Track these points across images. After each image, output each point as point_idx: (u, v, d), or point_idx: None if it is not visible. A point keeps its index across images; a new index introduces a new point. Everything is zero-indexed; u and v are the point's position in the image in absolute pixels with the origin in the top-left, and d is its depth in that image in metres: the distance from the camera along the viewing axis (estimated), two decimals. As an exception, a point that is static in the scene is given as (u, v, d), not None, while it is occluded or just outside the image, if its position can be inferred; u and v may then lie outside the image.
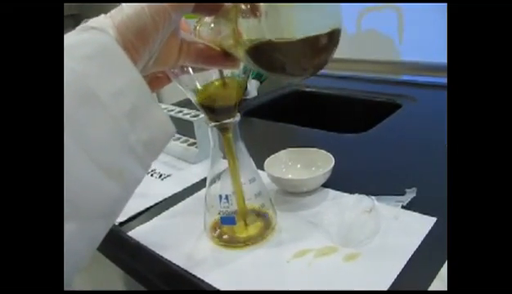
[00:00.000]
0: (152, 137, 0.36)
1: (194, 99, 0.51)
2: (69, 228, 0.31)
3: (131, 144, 0.34)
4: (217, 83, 0.50)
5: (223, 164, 0.55)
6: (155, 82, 0.54)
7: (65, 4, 2.59)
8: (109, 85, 0.33)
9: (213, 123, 0.52)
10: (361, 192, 0.59)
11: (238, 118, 0.52)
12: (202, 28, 0.45)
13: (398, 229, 0.54)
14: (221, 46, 0.43)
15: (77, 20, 2.78)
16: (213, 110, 0.51)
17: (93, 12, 0.38)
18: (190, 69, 0.48)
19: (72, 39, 0.34)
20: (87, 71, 0.32)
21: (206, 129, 0.80)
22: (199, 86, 0.50)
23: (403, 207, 0.57)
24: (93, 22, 0.36)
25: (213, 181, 0.56)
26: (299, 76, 0.38)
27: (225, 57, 0.43)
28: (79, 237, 0.33)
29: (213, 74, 0.49)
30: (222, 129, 0.52)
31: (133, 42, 0.36)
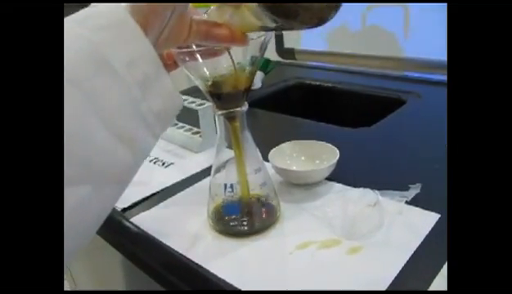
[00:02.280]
0: (162, 107, 0.37)
1: (202, 86, 0.51)
2: (83, 191, 0.33)
3: (142, 112, 0.36)
4: (225, 71, 0.49)
5: (228, 154, 0.55)
6: None
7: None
8: (122, 54, 0.34)
9: (220, 111, 0.52)
10: (365, 186, 0.59)
11: (246, 106, 0.52)
12: (210, 13, 0.46)
13: (402, 224, 0.54)
14: (230, 22, 0.43)
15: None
16: (220, 98, 0.51)
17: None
18: (199, 56, 0.47)
19: (87, 10, 0.36)
20: (101, 40, 0.34)
21: (211, 118, 0.81)
22: (207, 73, 0.49)
23: (407, 202, 0.57)
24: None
25: (218, 170, 0.56)
26: (310, 24, 0.39)
27: (233, 34, 0.44)
28: (93, 200, 0.34)
29: (221, 61, 0.48)
30: (230, 118, 0.52)
31: (146, 14, 0.36)
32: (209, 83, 0.50)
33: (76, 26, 0.35)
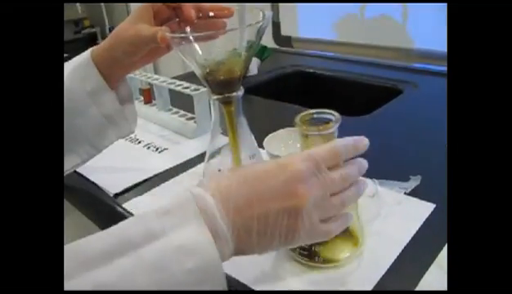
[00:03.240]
0: None
1: (197, 71, 0.49)
2: None
3: None
4: (221, 56, 0.48)
5: (223, 139, 0.54)
6: (154, 51, 0.55)
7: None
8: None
9: (215, 96, 0.51)
10: (363, 176, 0.58)
11: (242, 91, 0.51)
12: None
13: (398, 214, 0.53)
14: None
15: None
16: (216, 83, 0.50)
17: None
18: (192, 38, 0.46)
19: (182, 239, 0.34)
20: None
21: (205, 104, 0.79)
22: (202, 58, 0.48)
23: (406, 193, 0.56)
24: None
25: (213, 156, 0.55)
26: None
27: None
28: None
29: (216, 44, 0.47)
30: (225, 102, 0.51)
31: None
32: (205, 68, 0.49)
33: None
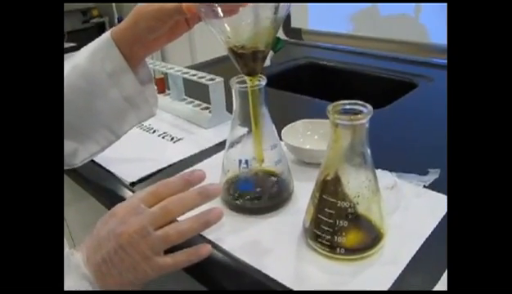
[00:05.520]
0: None
1: (224, 41, 0.49)
2: None
3: None
4: (248, 25, 0.48)
5: (241, 130, 0.54)
6: (175, 28, 0.56)
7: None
8: None
9: (238, 85, 0.51)
10: (382, 168, 0.58)
11: (264, 81, 0.51)
12: None
13: (418, 208, 0.53)
14: None
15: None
16: (242, 56, 0.49)
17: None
18: (219, 10, 0.46)
19: None
20: None
21: (221, 93, 0.79)
22: (228, 29, 0.47)
23: (425, 186, 0.56)
24: None
25: (232, 145, 0.54)
26: None
27: None
28: None
29: (243, 17, 0.47)
30: (247, 92, 0.51)
31: None
32: (230, 39, 0.48)
33: None
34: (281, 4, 0.46)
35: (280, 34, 1.43)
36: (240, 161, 0.53)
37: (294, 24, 1.45)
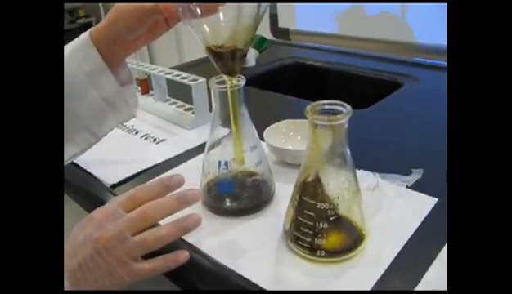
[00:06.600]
0: None
1: (201, 41, 0.48)
2: None
3: None
4: (227, 24, 0.47)
5: (223, 131, 0.53)
6: (155, 28, 0.55)
7: None
8: None
9: (217, 86, 0.50)
10: (364, 169, 0.57)
11: (243, 81, 0.50)
12: None
13: (400, 208, 0.53)
14: None
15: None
16: (221, 56, 0.48)
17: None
18: (198, 10, 0.45)
19: None
20: None
21: (204, 94, 0.78)
22: (207, 29, 0.47)
23: (408, 187, 0.56)
24: None
25: (212, 147, 0.54)
26: None
27: None
28: None
29: (222, 16, 0.46)
30: (226, 93, 0.50)
31: None
32: (208, 39, 0.47)
33: None
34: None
35: (268, 34, 1.42)
36: (220, 162, 0.52)
37: (282, 24, 1.44)
